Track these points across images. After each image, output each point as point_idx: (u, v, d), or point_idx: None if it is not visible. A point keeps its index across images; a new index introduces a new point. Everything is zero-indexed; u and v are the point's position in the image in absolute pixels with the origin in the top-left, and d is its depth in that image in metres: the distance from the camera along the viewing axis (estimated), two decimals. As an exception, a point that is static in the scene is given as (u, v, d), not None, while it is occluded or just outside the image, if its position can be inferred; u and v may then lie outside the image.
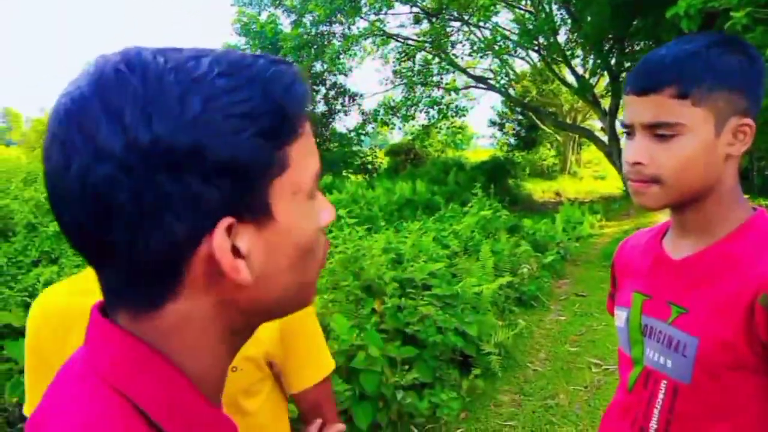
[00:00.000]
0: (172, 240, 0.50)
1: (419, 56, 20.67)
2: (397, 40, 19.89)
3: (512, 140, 28.74)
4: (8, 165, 12.44)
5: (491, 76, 21.55)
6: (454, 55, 20.20)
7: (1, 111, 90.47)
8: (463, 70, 20.51)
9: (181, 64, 0.51)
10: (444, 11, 18.40)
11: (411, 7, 19.04)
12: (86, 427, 0.51)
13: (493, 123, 29.33)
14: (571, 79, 19.68)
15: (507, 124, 28.88)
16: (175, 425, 0.54)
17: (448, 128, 23.96)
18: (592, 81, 19.22)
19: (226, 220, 0.51)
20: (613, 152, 16.97)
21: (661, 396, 1.13)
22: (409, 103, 20.57)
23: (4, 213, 8.04)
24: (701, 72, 1.02)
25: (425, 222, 8.69)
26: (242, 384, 1.23)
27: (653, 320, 1.18)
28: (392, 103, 21.06)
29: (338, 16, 17.99)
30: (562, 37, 18.29)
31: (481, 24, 18.95)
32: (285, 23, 20.54)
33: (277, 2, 20.35)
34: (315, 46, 18.74)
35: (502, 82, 21.56)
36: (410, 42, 20.01)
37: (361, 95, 22.72)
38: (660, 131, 1.05)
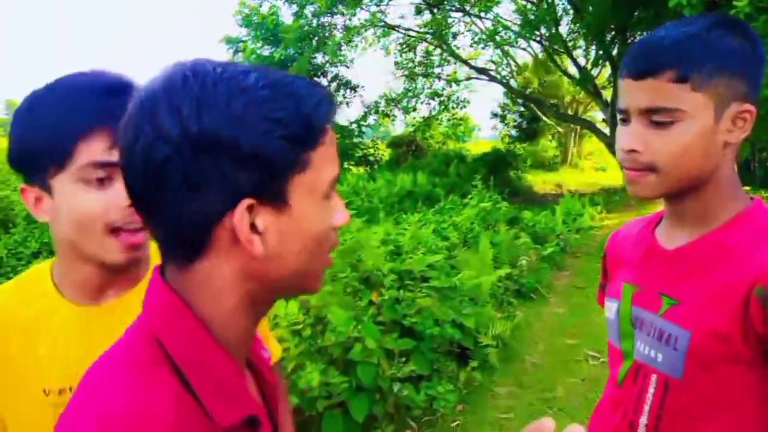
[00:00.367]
0: (205, 210, 0.64)
1: (420, 47, 20.59)
2: (399, 32, 19.80)
3: (513, 132, 28.63)
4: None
5: (493, 67, 21.49)
6: (455, 46, 20.12)
7: (4, 103, 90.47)
8: (465, 62, 20.43)
9: (234, 75, 0.65)
10: (445, 2, 18.30)
11: (412, -3, 18.95)
12: (119, 365, 0.67)
13: (494, 115, 29.20)
14: (573, 70, 19.61)
15: (508, 116, 28.75)
16: (191, 368, 0.66)
17: (449, 120, 23.90)
18: (594, 72, 19.11)
19: (248, 200, 0.64)
20: (614, 144, 16.82)
21: (651, 390, 1.10)
22: (410, 94, 20.52)
23: (4, 204, 8.05)
24: (702, 55, 0.98)
25: (425, 214, 8.67)
26: None
27: (644, 312, 1.15)
28: (393, 95, 21.00)
29: (339, 7, 17.89)
30: (563, 28, 18.20)
31: (483, 15, 18.85)
32: (286, 14, 20.51)
33: (278, -7, 20.27)
34: (316, 38, 18.67)
35: (504, 73, 21.53)
36: (411, 33, 19.91)
37: (363, 87, 22.68)
38: (657, 117, 1.01)
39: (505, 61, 21.43)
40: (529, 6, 18.21)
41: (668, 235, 1.16)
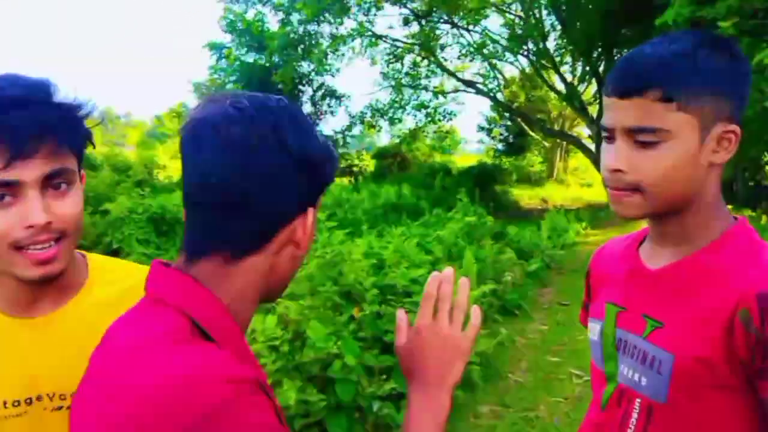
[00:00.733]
0: (285, 209, 0.80)
1: (408, 58, 20.65)
2: (386, 42, 19.83)
3: (500, 146, 28.78)
4: None
5: (480, 80, 21.59)
6: (443, 58, 20.23)
7: None
8: (452, 74, 20.53)
9: (299, 116, 0.84)
10: (434, 13, 18.37)
11: (400, 8, 19.00)
12: (159, 338, 0.74)
13: (481, 128, 29.36)
14: (559, 85, 19.77)
15: (495, 130, 28.91)
16: (216, 334, 0.76)
17: (435, 132, 23.95)
18: (580, 88, 19.30)
19: (311, 207, 0.83)
20: (599, 161, 17.00)
21: (635, 416, 1.07)
22: (396, 105, 20.53)
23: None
24: (688, 74, 0.96)
25: (409, 227, 8.61)
26: None
27: (628, 334, 1.12)
28: (380, 105, 21.00)
29: (326, 15, 17.90)
30: (551, 43, 18.40)
31: (471, 27, 18.96)
32: (272, 21, 20.46)
33: (265, 0, 20.22)
34: (302, 46, 18.65)
35: (491, 86, 21.62)
36: (399, 44, 19.95)
37: (349, 96, 22.66)
38: (642, 137, 0.98)
39: (492, 75, 21.54)
40: (517, 20, 18.35)
41: (652, 255, 1.13)
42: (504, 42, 18.86)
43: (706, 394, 0.99)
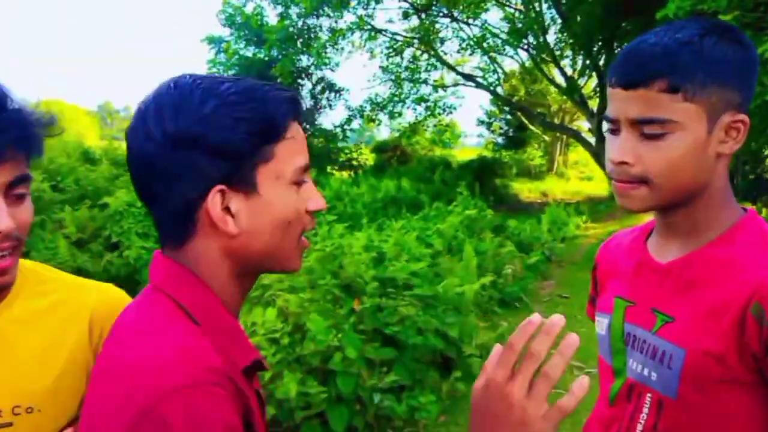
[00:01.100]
0: (187, 196, 0.78)
1: (407, 52, 20.59)
2: (385, 35, 19.77)
3: (500, 139, 28.70)
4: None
5: (480, 74, 21.53)
6: (442, 51, 20.17)
7: None
8: (452, 67, 20.49)
9: (209, 84, 0.79)
10: (433, 7, 18.31)
11: (400, 2, 18.96)
12: (148, 315, 0.80)
13: (480, 122, 29.29)
14: (560, 79, 19.73)
15: (495, 123, 28.83)
16: (204, 318, 0.79)
17: (435, 126, 23.90)
18: (581, 82, 19.26)
19: (218, 187, 0.77)
20: (600, 154, 16.98)
21: (645, 411, 1.06)
22: (396, 99, 20.49)
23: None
24: (694, 64, 0.94)
25: (409, 220, 8.60)
26: None
27: (637, 328, 1.10)
28: (379, 99, 20.95)
29: (325, 9, 17.84)
30: (551, 37, 18.34)
31: (471, 21, 18.91)
32: (271, 15, 20.36)
33: (264, -7, 20.13)
34: (301, 39, 18.59)
35: (491, 80, 21.57)
36: (398, 37, 19.89)
37: (348, 90, 22.62)
38: (648, 129, 0.97)
39: (492, 68, 21.48)
40: (517, 14, 18.30)
41: (660, 248, 1.11)
42: (504, 36, 18.81)
43: (717, 388, 0.97)
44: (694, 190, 1.01)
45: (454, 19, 19.03)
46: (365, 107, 21.36)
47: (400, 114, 21.28)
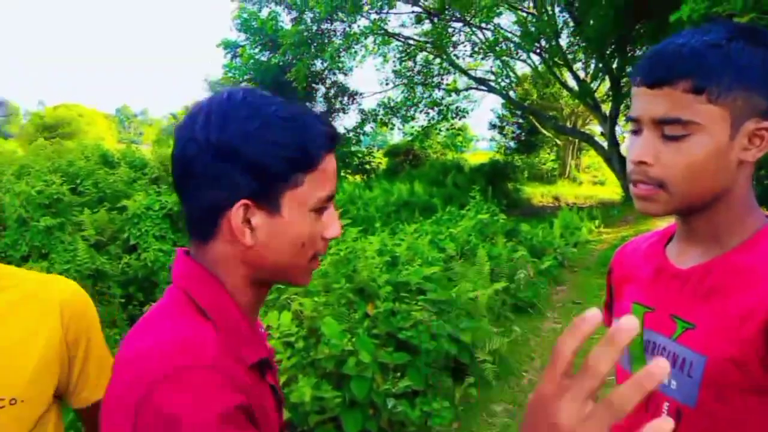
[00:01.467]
0: (215, 201, 0.83)
1: (420, 56, 20.60)
2: (398, 40, 19.80)
3: (512, 143, 28.63)
4: (2, 158, 12.29)
5: (492, 78, 21.48)
6: (455, 55, 20.14)
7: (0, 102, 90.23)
8: (464, 71, 20.45)
9: (259, 104, 0.84)
10: (446, 11, 18.31)
11: (413, 6, 18.97)
12: (162, 308, 0.87)
13: (493, 126, 29.23)
14: (572, 83, 19.64)
15: (507, 127, 28.76)
16: (216, 315, 0.84)
17: (447, 130, 23.88)
18: (593, 85, 19.16)
19: (244, 201, 0.82)
20: (612, 158, 16.90)
21: None
22: (409, 103, 20.50)
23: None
24: (721, 66, 0.92)
25: (422, 224, 8.60)
26: (25, 425, 1.09)
27: (656, 335, 1.08)
28: (392, 104, 20.98)
29: (339, 14, 17.88)
30: (564, 40, 18.28)
31: (483, 25, 18.88)
32: (286, 20, 20.47)
33: (279, -1, 20.25)
34: (315, 44, 18.64)
35: (503, 84, 21.50)
36: (411, 42, 19.91)
37: (361, 94, 22.64)
38: (670, 130, 0.95)
39: (504, 72, 21.42)
40: (529, 18, 18.25)
41: (680, 254, 1.09)
42: (516, 39, 18.76)
43: (738, 397, 0.95)
44: (713, 195, 0.99)
45: (466, 23, 19.02)
46: (378, 111, 21.41)
47: (412, 118, 21.29)
